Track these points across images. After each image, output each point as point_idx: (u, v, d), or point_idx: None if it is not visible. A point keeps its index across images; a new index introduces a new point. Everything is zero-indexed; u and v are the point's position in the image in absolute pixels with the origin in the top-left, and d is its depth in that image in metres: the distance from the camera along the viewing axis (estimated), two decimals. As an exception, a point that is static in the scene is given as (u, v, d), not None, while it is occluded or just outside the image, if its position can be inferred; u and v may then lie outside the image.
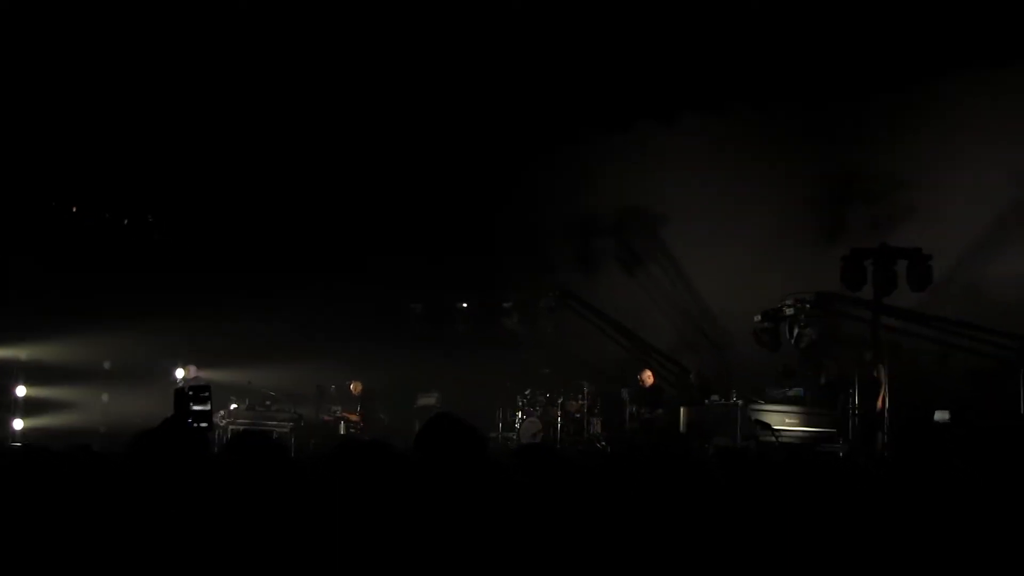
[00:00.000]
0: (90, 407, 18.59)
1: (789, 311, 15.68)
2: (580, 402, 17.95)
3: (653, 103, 17.43)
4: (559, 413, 17.89)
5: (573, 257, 19.75)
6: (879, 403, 14.46)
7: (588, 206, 19.49)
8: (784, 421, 14.30)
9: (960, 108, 15.52)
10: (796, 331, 15.52)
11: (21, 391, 18.50)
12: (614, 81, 16.83)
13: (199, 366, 17.72)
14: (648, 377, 17.45)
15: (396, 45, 15.92)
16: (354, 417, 18.71)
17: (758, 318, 16.18)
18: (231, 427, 16.67)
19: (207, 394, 14.35)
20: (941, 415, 13.38)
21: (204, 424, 14.12)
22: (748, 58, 15.77)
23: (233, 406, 17.71)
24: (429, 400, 18.69)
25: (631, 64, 16.29)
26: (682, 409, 15.96)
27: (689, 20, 15.04)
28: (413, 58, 16.26)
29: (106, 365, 18.25)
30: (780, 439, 13.64)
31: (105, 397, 18.26)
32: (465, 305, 19.75)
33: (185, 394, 14.40)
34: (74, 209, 18.75)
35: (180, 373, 17.71)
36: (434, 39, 15.69)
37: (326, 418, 18.68)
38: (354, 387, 19.02)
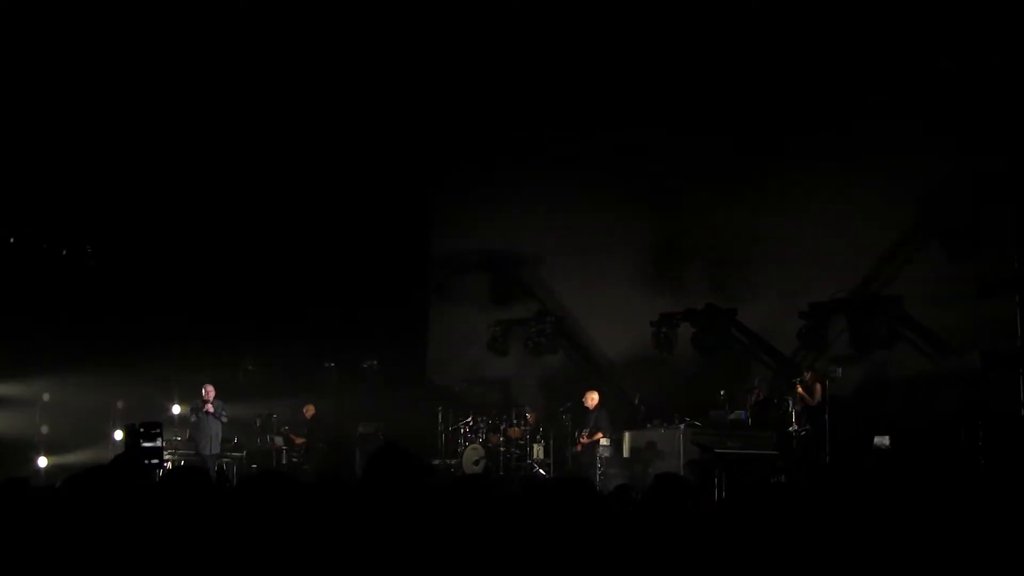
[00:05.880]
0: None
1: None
2: (522, 427, 17.87)
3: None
4: (501, 439, 17.82)
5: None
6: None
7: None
8: (727, 444, 14.24)
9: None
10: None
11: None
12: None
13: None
14: (592, 399, 16.72)
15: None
16: (299, 440, 19.08)
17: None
18: (171, 460, 16.63)
19: (158, 431, 14.05)
20: (881, 440, 13.18)
21: (155, 461, 13.85)
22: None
23: (177, 437, 17.86)
24: (369, 429, 18.71)
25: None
26: (626, 433, 15.97)
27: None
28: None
29: (45, 397, 17.91)
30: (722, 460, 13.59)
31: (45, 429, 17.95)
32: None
33: (136, 431, 14.09)
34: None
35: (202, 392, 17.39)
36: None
37: (269, 446, 19.03)
38: (307, 410, 19.32)
